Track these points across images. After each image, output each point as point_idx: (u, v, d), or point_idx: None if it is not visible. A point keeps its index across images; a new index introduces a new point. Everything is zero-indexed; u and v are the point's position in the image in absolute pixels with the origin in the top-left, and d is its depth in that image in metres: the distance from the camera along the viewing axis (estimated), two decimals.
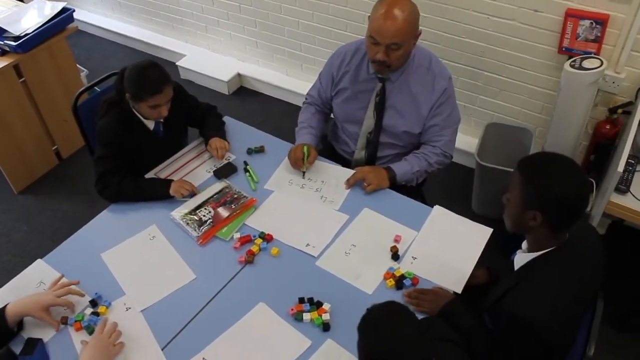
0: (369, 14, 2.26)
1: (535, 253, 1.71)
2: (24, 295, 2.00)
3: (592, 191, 1.66)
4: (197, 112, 2.65)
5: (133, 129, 2.42)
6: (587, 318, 1.80)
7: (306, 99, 2.70)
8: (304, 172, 2.41)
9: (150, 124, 2.46)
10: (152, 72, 2.29)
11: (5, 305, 1.88)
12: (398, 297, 1.97)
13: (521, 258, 1.75)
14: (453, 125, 2.46)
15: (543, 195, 1.60)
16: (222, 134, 2.59)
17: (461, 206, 2.34)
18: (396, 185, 2.39)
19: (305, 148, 2.39)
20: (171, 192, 2.34)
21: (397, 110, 2.41)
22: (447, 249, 2.12)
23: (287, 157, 2.46)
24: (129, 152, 2.42)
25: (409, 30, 2.19)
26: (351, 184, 2.36)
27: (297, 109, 4.11)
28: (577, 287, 1.67)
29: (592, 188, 1.65)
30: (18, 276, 2.12)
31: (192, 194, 2.37)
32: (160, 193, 2.37)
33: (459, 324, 1.84)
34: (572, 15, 2.76)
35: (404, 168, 2.40)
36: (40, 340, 1.89)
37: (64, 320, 1.94)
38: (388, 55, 2.20)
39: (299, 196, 2.35)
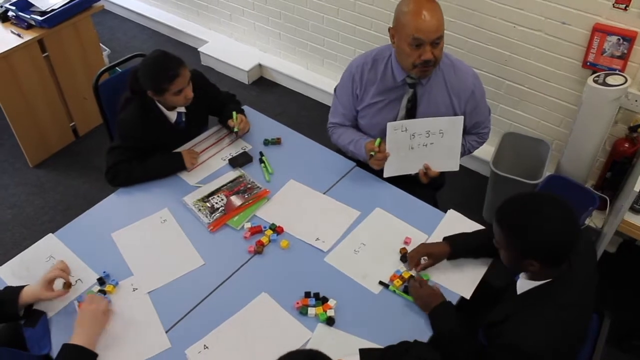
0: (389, 25, 2.22)
1: (537, 282, 1.68)
2: (32, 267, 2.03)
3: (576, 220, 1.61)
4: (218, 101, 2.65)
5: (154, 122, 2.42)
6: (591, 337, 1.78)
7: (330, 126, 2.56)
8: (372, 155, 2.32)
9: (172, 116, 2.46)
10: (163, 60, 2.29)
11: (22, 288, 1.89)
12: (404, 299, 1.97)
13: (524, 284, 1.72)
14: (490, 114, 2.53)
15: (531, 247, 1.58)
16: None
17: (472, 213, 2.32)
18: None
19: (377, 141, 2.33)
20: (188, 166, 2.43)
21: (432, 112, 2.34)
22: None
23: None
24: (150, 144, 2.42)
25: (443, 18, 2.16)
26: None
27: (315, 103, 4.16)
28: (577, 316, 1.65)
29: (576, 217, 1.61)
30: (28, 249, 2.15)
31: None
32: (172, 165, 2.43)
33: (443, 326, 1.85)
34: (600, 30, 2.74)
35: None
36: (44, 313, 1.91)
37: (68, 286, 1.94)
38: (433, 52, 2.15)
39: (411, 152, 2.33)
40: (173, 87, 2.29)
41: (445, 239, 2.07)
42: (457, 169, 2.38)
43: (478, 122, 2.46)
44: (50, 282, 1.91)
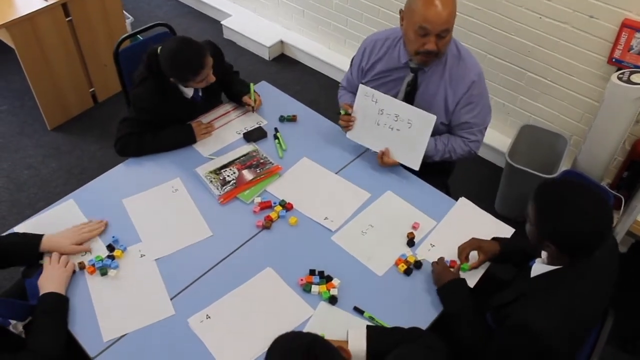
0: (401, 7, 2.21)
1: (553, 266, 1.68)
2: (49, 229, 2.06)
3: (612, 222, 1.60)
4: (229, 75, 2.66)
5: (170, 98, 2.41)
6: (593, 335, 1.78)
7: (340, 86, 2.69)
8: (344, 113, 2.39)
9: (189, 92, 2.45)
10: (188, 53, 2.25)
11: (42, 236, 1.98)
12: (407, 283, 1.97)
13: (539, 267, 1.72)
14: (483, 124, 2.39)
15: (554, 230, 1.57)
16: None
17: (484, 203, 2.30)
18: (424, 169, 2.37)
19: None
20: (199, 139, 2.45)
21: (426, 100, 2.34)
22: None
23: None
24: (166, 119, 2.43)
25: (455, 13, 2.12)
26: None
27: (334, 83, 4.15)
28: (589, 306, 1.65)
29: (611, 220, 1.60)
30: (46, 212, 2.18)
31: None
32: (181, 138, 2.44)
33: (452, 303, 1.85)
34: (628, 26, 2.68)
35: (428, 152, 2.34)
36: (40, 266, 1.96)
37: (82, 266, 1.99)
38: (437, 44, 2.13)
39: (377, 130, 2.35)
40: (197, 78, 2.30)
41: (494, 239, 2.05)
42: (416, 168, 2.31)
43: (467, 123, 2.36)
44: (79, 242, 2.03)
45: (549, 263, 1.71)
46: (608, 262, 1.72)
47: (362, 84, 2.41)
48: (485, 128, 2.41)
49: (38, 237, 1.98)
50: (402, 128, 2.30)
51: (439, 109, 2.33)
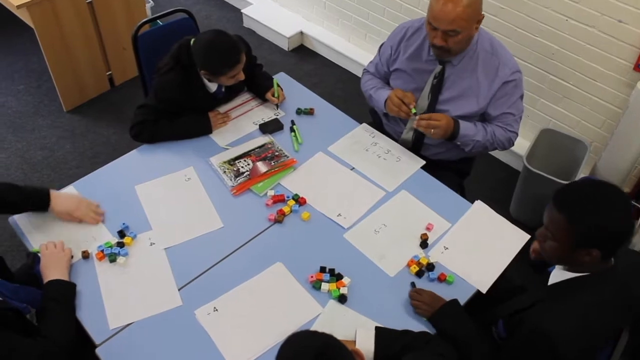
0: None
1: (575, 274, 1.64)
2: (49, 216, 2.06)
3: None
4: (253, 72, 2.61)
5: (193, 91, 2.38)
6: (608, 348, 1.74)
7: (364, 71, 2.62)
8: (415, 113, 2.30)
9: (213, 87, 2.42)
10: (225, 45, 2.24)
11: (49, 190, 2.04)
12: (418, 285, 1.94)
13: (559, 274, 1.67)
14: (519, 115, 2.38)
15: (598, 234, 1.51)
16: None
17: (499, 207, 2.26)
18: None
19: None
20: (214, 129, 2.43)
21: (454, 94, 2.32)
22: (481, 246, 2.07)
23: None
24: (186, 110, 2.40)
25: (470, 16, 2.09)
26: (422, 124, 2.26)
27: (353, 77, 4.10)
28: (609, 316, 1.60)
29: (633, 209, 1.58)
30: None
31: None
32: (197, 128, 2.42)
33: (446, 328, 1.78)
34: None
35: (468, 130, 2.30)
36: (37, 254, 1.96)
37: (86, 255, 1.98)
38: (446, 40, 2.13)
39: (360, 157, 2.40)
40: (231, 73, 2.28)
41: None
42: (389, 190, 2.26)
43: (505, 114, 2.33)
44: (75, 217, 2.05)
45: (570, 270, 1.66)
46: (634, 278, 1.67)
47: (392, 72, 2.45)
48: (521, 118, 2.40)
49: (46, 188, 2.04)
50: (389, 159, 2.38)
51: (468, 104, 2.32)
